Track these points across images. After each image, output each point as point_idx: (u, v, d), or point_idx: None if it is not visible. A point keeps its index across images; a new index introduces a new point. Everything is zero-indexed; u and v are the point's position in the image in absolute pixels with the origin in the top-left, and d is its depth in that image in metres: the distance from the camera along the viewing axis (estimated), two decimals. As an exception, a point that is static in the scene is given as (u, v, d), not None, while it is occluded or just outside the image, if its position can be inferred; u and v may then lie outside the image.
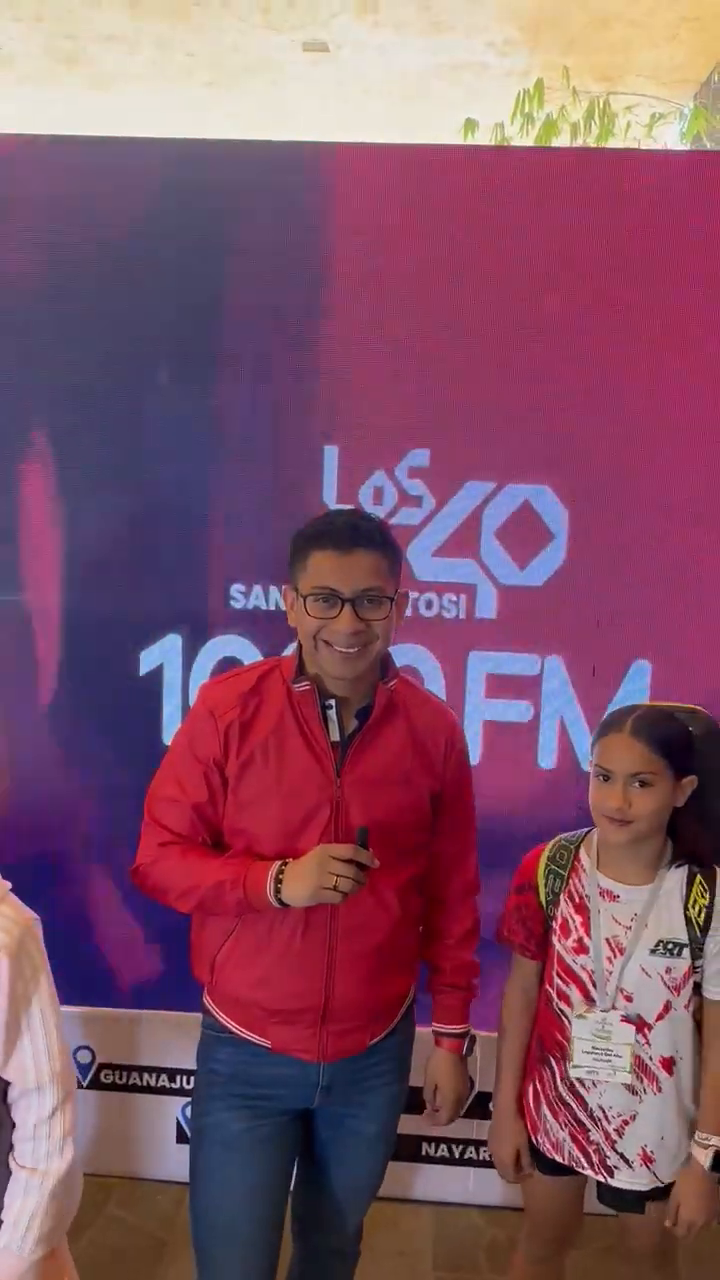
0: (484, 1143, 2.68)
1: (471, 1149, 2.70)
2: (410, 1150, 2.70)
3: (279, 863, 1.63)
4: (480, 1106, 2.69)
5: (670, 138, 6.88)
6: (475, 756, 2.42)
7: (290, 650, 1.78)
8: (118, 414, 2.49)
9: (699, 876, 1.83)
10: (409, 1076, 1.91)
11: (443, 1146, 2.71)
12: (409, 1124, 2.62)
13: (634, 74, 6.57)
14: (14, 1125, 1.56)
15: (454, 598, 2.53)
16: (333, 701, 1.70)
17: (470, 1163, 2.71)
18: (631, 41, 6.24)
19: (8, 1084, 1.55)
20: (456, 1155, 2.71)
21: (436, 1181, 2.72)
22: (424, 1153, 2.71)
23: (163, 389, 2.48)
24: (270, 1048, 1.73)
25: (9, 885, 1.58)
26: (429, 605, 2.53)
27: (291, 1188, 1.89)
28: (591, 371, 2.43)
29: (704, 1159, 1.82)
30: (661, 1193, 1.88)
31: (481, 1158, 2.70)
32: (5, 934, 1.51)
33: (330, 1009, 1.71)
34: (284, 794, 1.69)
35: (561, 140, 6.43)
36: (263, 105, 7.34)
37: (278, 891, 1.61)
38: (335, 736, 1.70)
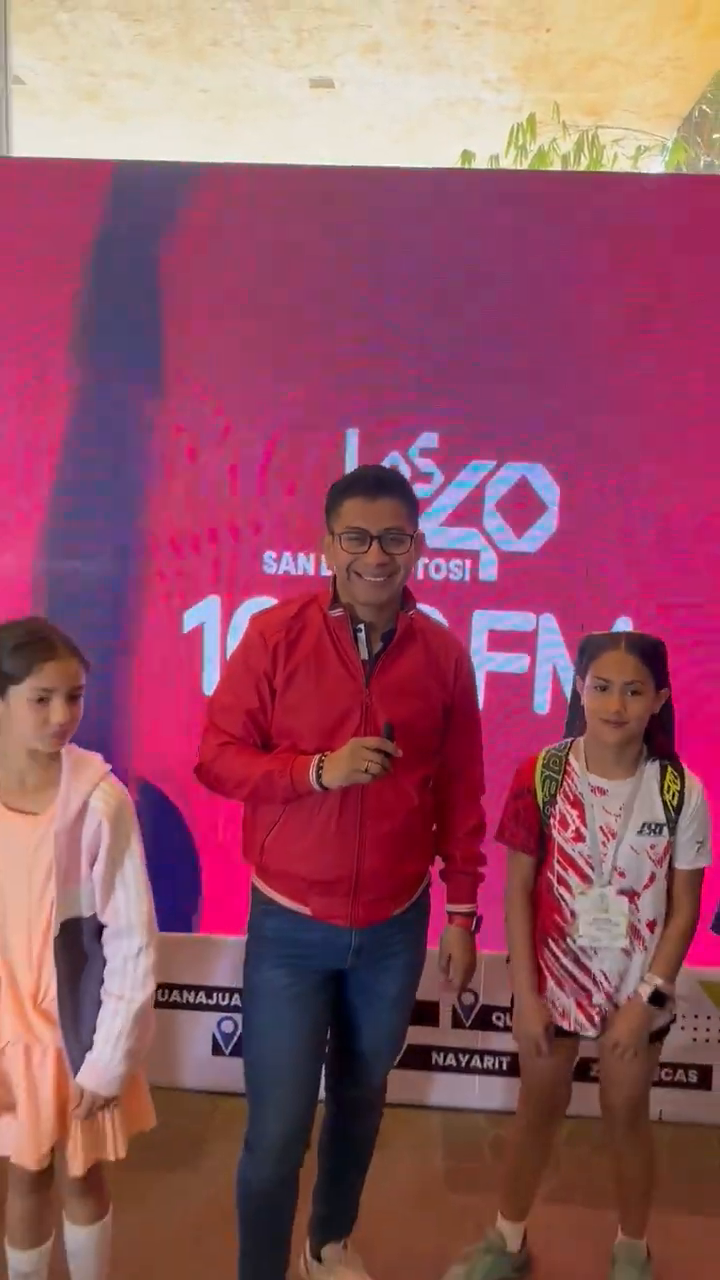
0: (488, 1053, 3.03)
1: (476, 1058, 3.02)
2: (422, 1060, 3.02)
3: (319, 755, 1.97)
4: (483, 1019, 3.03)
5: (655, 168, 7.31)
6: (480, 703, 2.76)
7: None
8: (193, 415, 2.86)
9: (669, 769, 2.19)
10: (425, 951, 2.23)
11: (451, 1056, 3.03)
12: (420, 1036, 2.99)
13: (620, 109, 7.00)
14: (105, 962, 1.89)
15: (460, 563, 2.89)
16: (362, 626, 2.04)
17: (475, 1070, 3.02)
18: (618, 79, 6.68)
19: (103, 926, 1.88)
20: (463, 1064, 3.03)
21: (445, 1088, 3.03)
22: (434, 1062, 3.03)
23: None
24: (311, 914, 2.06)
25: (109, 766, 1.92)
26: (438, 569, 2.89)
27: (327, 1050, 2.21)
28: (578, 367, 2.80)
29: (645, 993, 2.16)
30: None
31: (485, 1066, 3.02)
32: (106, 805, 1.85)
33: (360, 882, 2.04)
34: (322, 700, 2.02)
35: (554, 168, 6.87)
36: (271, 138, 7.77)
37: (319, 776, 1.95)
38: (364, 654, 2.04)
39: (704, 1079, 2.98)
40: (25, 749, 1.84)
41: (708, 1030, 2.97)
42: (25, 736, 1.83)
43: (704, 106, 6.90)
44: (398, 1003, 2.18)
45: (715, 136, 6.68)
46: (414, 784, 2.07)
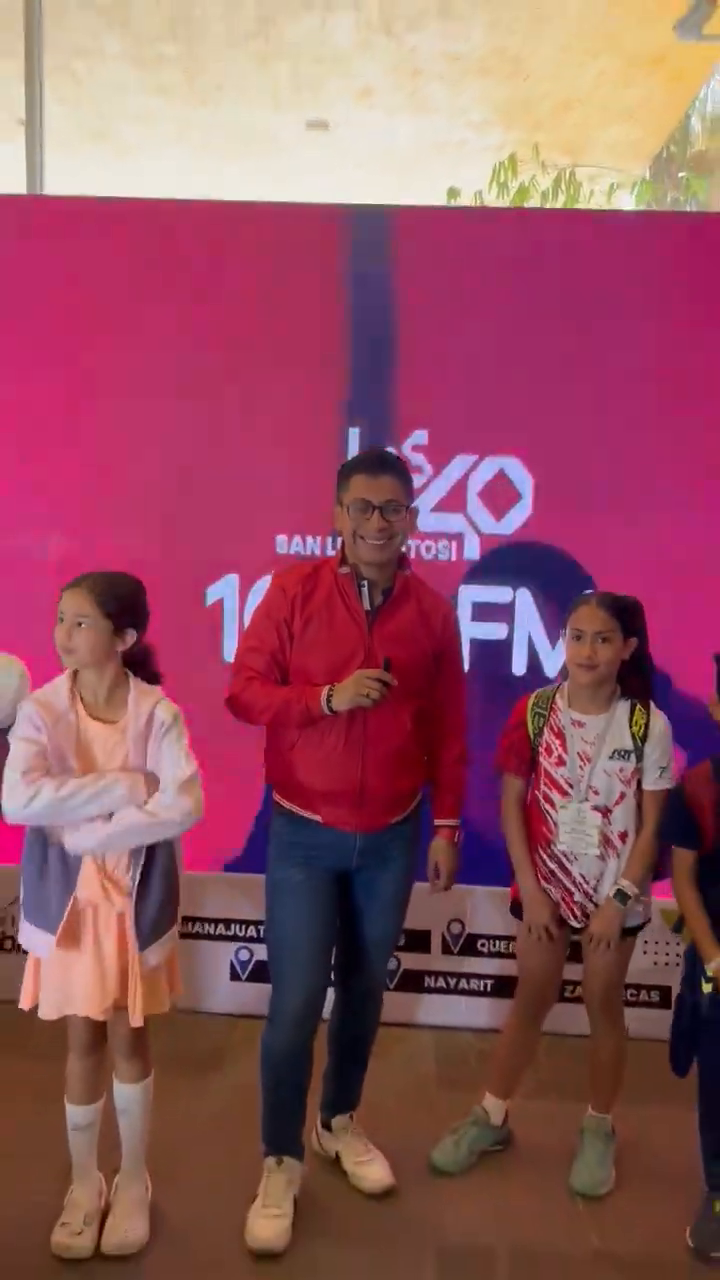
0: (474, 976, 3.42)
1: (463, 981, 3.41)
2: (415, 984, 3.41)
3: (329, 685, 2.39)
4: (469, 946, 3.43)
5: (627, 203, 7.83)
6: (466, 666, 3.18)
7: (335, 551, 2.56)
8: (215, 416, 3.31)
9: (637, 706, 2.61)
10: (418, 856, 2.63)
11: (441, 979, 3.42)
12: (413, 962, 3.38)
13: (595, 149, 7.52)
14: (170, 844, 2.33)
15: (447, 544, 3.32)
16: (365, 582, 2.47)
17: (462, 992, 3.41)
18: (591, 121, 7.20)
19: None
20: (452, 986, 3.42)
21: (436, 1008, 3.41)
22: (426, 985, 3.42)
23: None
24: (321, 821, 2.46)
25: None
26: (428, 550, 3.32)
27: (335, 948, 2.60)
28: (551, 373, 3.25)
29: (613, 893, 2.57)
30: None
31: (471, 988, 3.41)
32: (167, 713, 2.29)
33: (364, 794, 2.44)
34: (332, 642, 2.43)
35: (533, 204, 7.39)
36: (268, 175, 8.28)
37: (329, 701, 2.36)
38: (367, 606, 2.46)
39: (664, 999, 3.37)
40: (93, 673, 2.27)
41: (668, 955, 3.37)
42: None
43: (672, 146, 7.43)
44: (395, 900, 2.58)
45: (681, 175, 7.18)
46: (408, 714, 2.48)
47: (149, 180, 8.34)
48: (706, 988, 2.42)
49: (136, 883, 2.27)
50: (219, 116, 7.28)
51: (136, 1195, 2.47)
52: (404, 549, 2.53)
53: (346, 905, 2.58)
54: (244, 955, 3.43)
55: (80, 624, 2.24)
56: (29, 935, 2.32)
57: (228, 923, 3.41)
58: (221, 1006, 3.42)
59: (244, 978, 3.42)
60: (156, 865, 2.30)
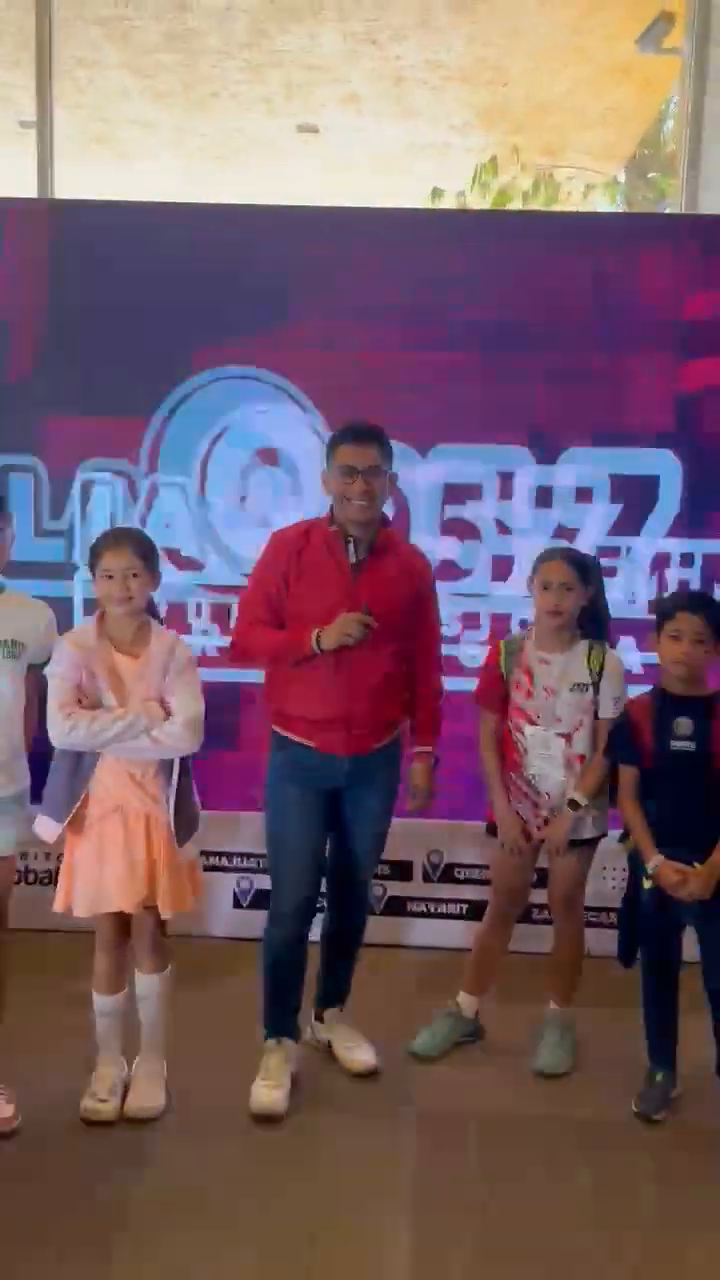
0: (451, 901, 3.80)
1: (442, 906, 3.80)
2: (399, 908, 3.79)
3: (318, 628, 2.76)
4: (446, 874, 3.81)
5: (603, 203, 8.22)
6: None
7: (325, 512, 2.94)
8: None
9: (593, 646, 2.98)
10: (398, 778, 3.00)
11: (421, 905, 3.80)
12: (396, 889, 3.77)
13: (572, 151, 7.89)
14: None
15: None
16: (351, 539, 2.84)
17: (440, 916, 3.80)
18: (568, 125, 7.57)
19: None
20: (431, 911, 3.81)
21: (417, 930, 3.80)
22: (408, 910, 3.80)
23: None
24: (315, 747, 2.83)
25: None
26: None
27: (327, 858, 2.98)
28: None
29: (569, 806, 2.95)
30: (576, 844, 2.99)
31: (448, 912, 3.80)
32: (182, 650, 2.69)
33: (350, 722, 2.81)
34: (322, 591, 2.80)
35: (515, 204, 7.76)
36: (261, 176, 8.63)
37: (318, 640, 2.74)
38: (353, 559, 2.82)
39: (622, 920, 3.76)
40: (129, 616, 2.66)
41: (623, 882, 3.74)
42: (107, 607, 2.64)
43: (644, 149, 7.81)
44: (378, 815, 2.96)
45: (651, 175, 7.56)
46: (389, 653, 2.85)
47: (146, 181, 8.71)
48: (647, 884, 2.80)
49: (172, 793, 2.65)
50: (214, 122, 7.64)
51: (154, 1070, 2.85)
52: (384, 509, 2.91)
53: (337, 820, 2.95)
54: (244, 885, 3.81)
55: (135, 575, 2.62)
56: (42, 825, 2.70)
57: (229, 855, 3.78)
58: (224, 931, 3.80)
59: (245, 905, 3.80)
60: (184, 780, 2.69)
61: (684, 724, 2.76)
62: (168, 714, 2.65)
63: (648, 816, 2.84)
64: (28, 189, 8.56)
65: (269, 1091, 2.82)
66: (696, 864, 2.75)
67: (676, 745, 2.77)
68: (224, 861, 3.79)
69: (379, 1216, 2.46)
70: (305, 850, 2.86)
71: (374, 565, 2.86)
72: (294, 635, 2.78)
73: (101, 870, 2.67)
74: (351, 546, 2.83)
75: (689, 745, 2.76)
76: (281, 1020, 2.94)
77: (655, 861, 2.77)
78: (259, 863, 3.77)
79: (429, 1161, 2.66)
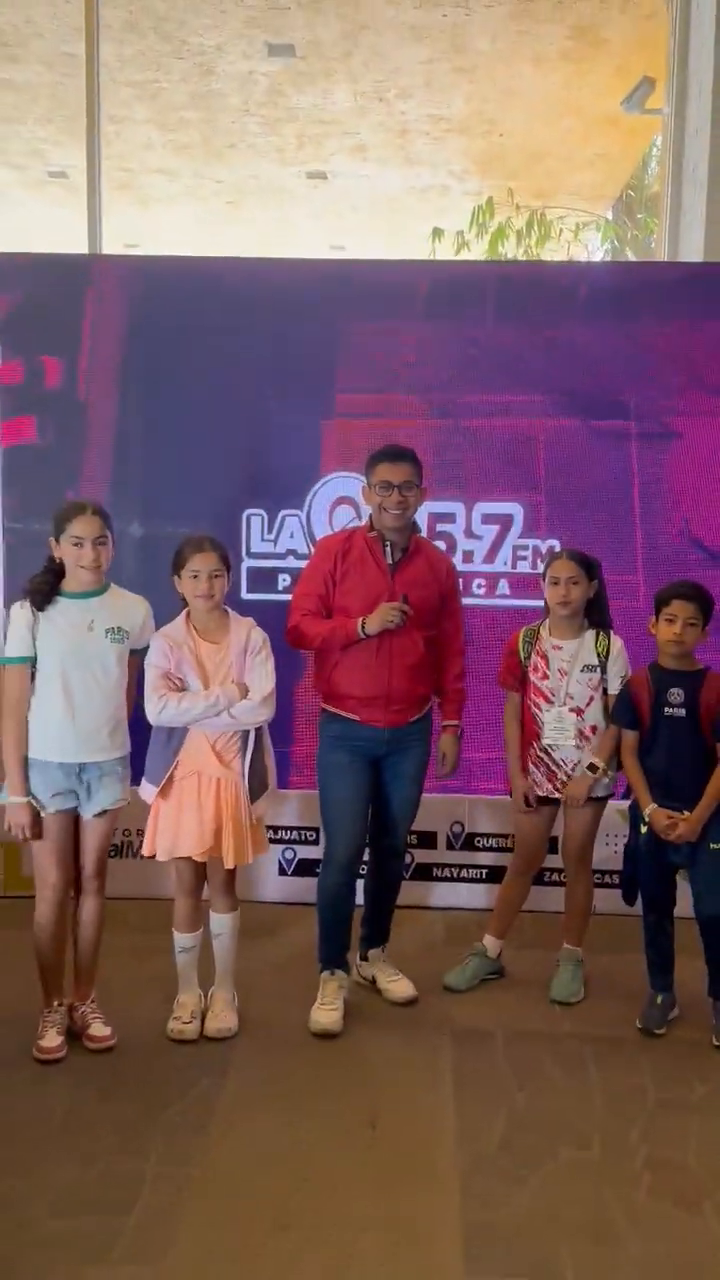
0: (472, 866, 4.29)
1: (464, 871, 4.28)
2: (426, 874, 4.27)
3: (363, 616, 3.28)
4: (469, 843, 4.30)
5: (594, 241, 8.81)
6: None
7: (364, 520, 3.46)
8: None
9: (600, 632, 3.49)
10: (429, 749, 3.49)
11: (446, 870, 4.29)
12: (423, 856, 4.25)
13: (563, 193, 8.50)
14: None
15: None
16: (389, 543, 3.35)
17: (463, 880, 4.27)
18: (559, 170, 8.18)
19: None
20: (455, 876, 4.29)
21: (442, 894, 4.28)
22: (434, 875, 4.28)
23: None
24: (359, 720, 3.33)
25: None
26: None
27: (369, 819, 3.48)
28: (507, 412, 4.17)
29: (584, 764, 3.44)
30: (590, 800, 3.47)
31: (471, 876, 4.28)
32: (259, 636, 3.17)
33: (390, 697, 3.31)
34: (364, 588, 3.30)
35: (510, 243, 8.35)
36: (273, 219, 9.23)
37: (364, 626, 3.25)
38: (389, 560, 3.34)
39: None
40: (211, 609, 3.17)
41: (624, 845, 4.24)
42: (192, 602, 3.15)
43: (630, 191, 8.41)
44: (413, 779, 3.46)
45: (639, 216, 8.15)
46: (421, 639, 3.36)
47: (166, 223, 9.30)
48: (644, 829, 3.30)
49: (248, 761, 3.16)
50: (229, 170, 8.23)
51: (227, 998, 3.33)
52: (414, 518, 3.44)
53: (379, 785, 3.45)
54: (289, 855, 4.30)
55: (218, 576, 3.12)
56: (144, 789, 3.20)
57: (275, 829, 4.26)
58: (272, 896, 4.28)
59: (289, 873, 4.29)
60: (257, 749, 3.19)
61: (676, 694, 3.27)
62: (244, 693, 3.15)
63: (645, 773, 3.34)
64: (56, 234, 9.18)
65: (327, 1013, 3.31)
66: (686, 812, 3.25)
67: (670, 712, 3.28)
68: (271, 834, 4.26)
69: (426, 1104, 2.94)
70: (352, 809, 3.37)
71: (407, 565, 3.37)
72: (342, 624, 3.29)
73: (177, 822, 3.16)
74: (388, 549, 3.35)
75: (680, 712, 3.27)
76: (334, 954, 3.43)
77: (650, 809, 3.27)
78: (301, 835, 4.28)
79: (464, 1066, 3.14)
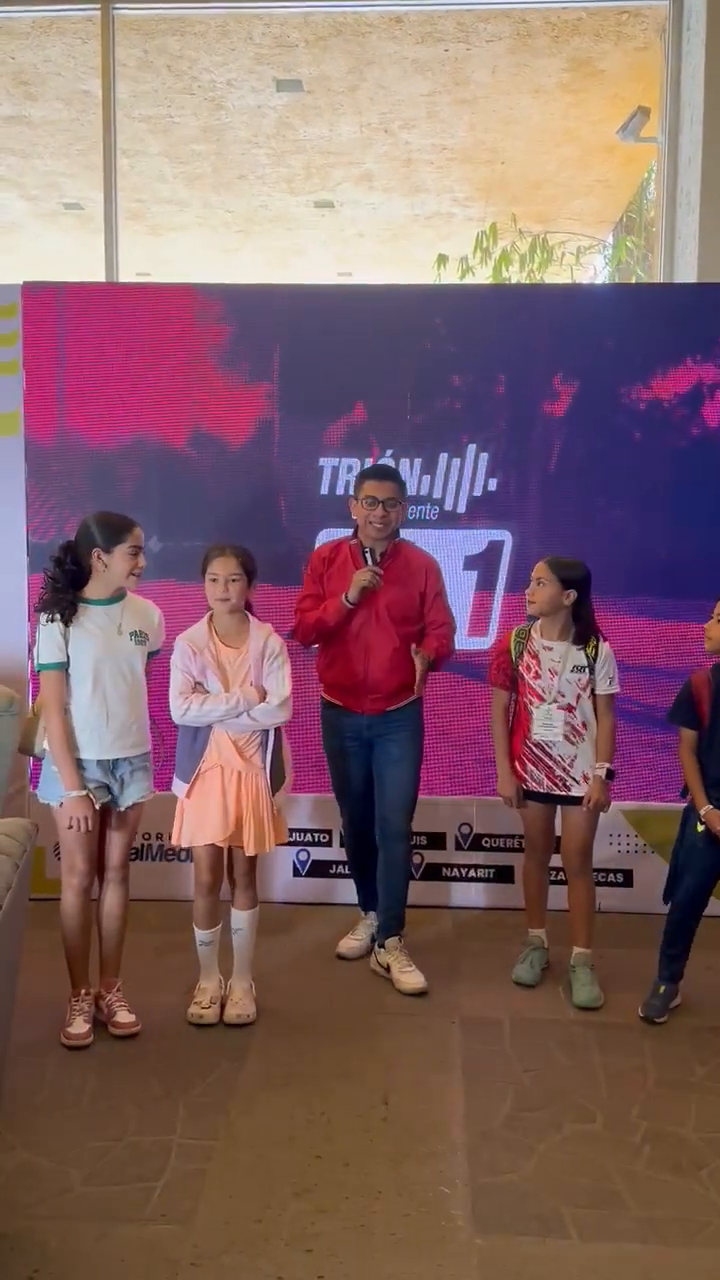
0: (479, 866, 4.44)
1: (472, 870, 4.43)
2: (436, 874, 4.42)
3: (345, 594, 3.52)
4: (475, 843, 4.45)
5: (595, 264, 9.02)
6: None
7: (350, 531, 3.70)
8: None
9: (589, 637, 3.64)
10: (420, 739, 3.70)
11: (455, 870, 4.43)
12: (433, 857, 4.40)
13: (564, 218, 8.71)
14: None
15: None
16: (368, 550, 3.60)
17: (472, 879, 4.42)
18: (559, 196, 8.39)
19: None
20: (464, 875, 4.44)
21: (452, 893, 4.43)
22: (444, 875, 4.43)
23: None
24: (342, 706, 3.65)
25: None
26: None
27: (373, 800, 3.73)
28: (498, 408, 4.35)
29: (601, 773, 3.59)
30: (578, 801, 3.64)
31: (478, 875, 4.42)
32: (276, 642, 3.34)
33: (367, 686, 3.59)
34: (346, 586, 3.55)
35: (514, 267, 8.57)
36: (281, 246, 9.46)
37: (346, 598, 3.49)
38: (369, 562, 3.57)
39: (627, 879, 4.40)
40: (231, 614, 3.35)
41: (628, 846, 4.39)
42: (212, 604, 3.33)
43: (630, 214, 8.62)
44: (400, 760, 3.68)
45: (626, 240, 8.36)
46: (397, 634, 3.60)
47: (178, 252, 9.55)
48: (699, 828, 3.41)
49: (269, 757, 3.34)
50: (239, 200, 8.47)
51: (246, 987, 3.49)
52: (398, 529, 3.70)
53: (374, 768, 3.73)
54: (303, 856, 4.45)
55: (235, 580, 3.30)
56: (176, 785, 3.38)
57: (290, 830, 4.42)
58: (286, 897, 4.43)
59: (304, 874, 4.44)
60: (274, 745, 3.37)
61: None
62: (263, 696, 3.32)
63: (703, 771, 3.43)
64: (69, 263, 9.46)
65: (350, 941, 3.95)
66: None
67: None
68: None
69: (437, 1084, 3.09)
70: (350, 785, 3.76)
71: (386, 567, 3.62)
72: (329, 603, 3.59)
73: (201, 812, 3.33)
74: (368, 554, 3.61)
75: None
76: (362, 899, 3.94)
77: (707, 808, 3.38)
78: (315, 837, 4.44)
79: (473, 1050, 3.29)
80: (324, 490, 4.37)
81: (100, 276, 6.34)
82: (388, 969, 3.72)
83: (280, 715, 3.34)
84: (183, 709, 3.29)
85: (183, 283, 4.47)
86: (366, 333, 4.33)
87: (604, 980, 3.68)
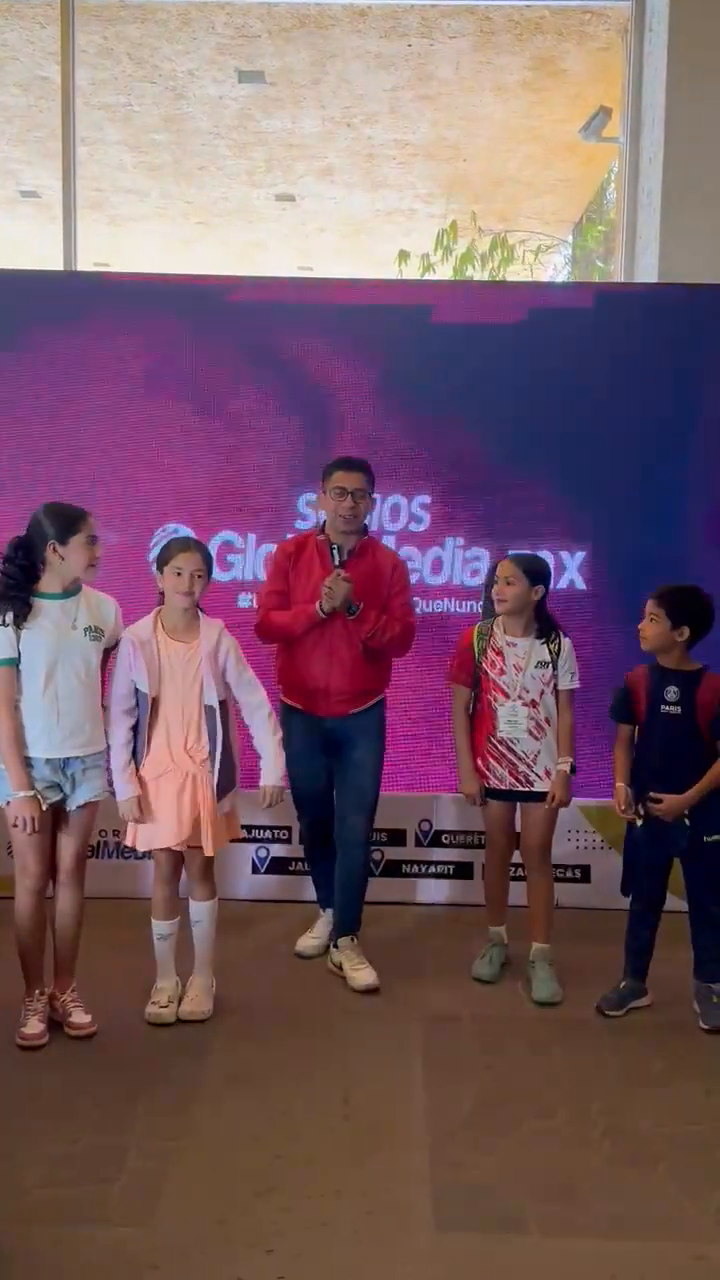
0: (439, 863, 4.44)
1: (432, 866, 4.43)
2: (395, 870, 4.41)
3: (317, 602, 3.46)
4: (435, 840, 4.44)
5: (555, 261, 9.06)
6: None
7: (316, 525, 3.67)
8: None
9: (551, 632, 3.65)
10: (381, 742, 3.70)
11: (415, 866, 4.43)
12: (393, 854, 4.39)
13: (524, 217, 8.72)
14: (225, 732, 3.31)
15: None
16: (335, 546, 3.56)
17: (431, 875, 4.42)
18: (520, 194, 8.40)
19: (221, 711, 3.29)
20: (423, 871, 4.43)
21: (412, 889, 4.42)
22: (404, 871, 4.42)
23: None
24: (304, 709, 3.61)
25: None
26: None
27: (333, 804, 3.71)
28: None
29: (565, 768, 3.59)
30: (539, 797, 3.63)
31: (438, 872, 4.42)
32: (228, 640, 3.31)
33: (329, 689, 3.55)
34: (310, 588, 3.53)
35: (475, 264, 8.58)
36: (241, 240, 9.40)
37: (320, 608, 3.44)
38: (336, 561, 3.54)
39: (585, 875, 4.42)
40: (185, 610, 3.29)
41: (586, 842, 4.41)
42: (171, 598, 3.28)
43: (590, 214, 8.67)
44: (360, 764, 3.67)
45: (576, 240, 8.41)
46: (359, 638, 3.55)
47: (138, 243, 9.45)
48: (639, 823, 3.44)
49: (218, 760, 3.30)
50: (200, 191, 8.39)
51: (204, 984, 3.45)
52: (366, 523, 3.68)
53: (336, 772, 3.70)
54: (262, 854, 4.42)
55: (199, 576, 3.26)
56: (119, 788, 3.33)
57: (249, 828, 4.38)
58: (246, 894, 4.40)
59: (263, 871, 4.41)
60: (221, 747, 3.32)
61: (673, 691, 3.41)
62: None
63: (640, 767, 3.47)
64: (25, 253, 9.32)
65: (309, 939, 3.93)
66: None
67: (666, 709, 3.41)
68: (245, 833, 4.38)
69: (397, 1081, 3.08)
70: (308, 784, 3.74)
71: (353, 566, 3.58)
72: (303, 609, 3.53)
73: (155, 816, 3.29)
74: (335, 551, 3.56)
75: (676, 710, 3.40)
76: (322, 895, 3.96)
77: (619, 785, 3.45)
78: (274, 834, 4.41)
79: (433, 1046, 3.28)
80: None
81: (59, 265, 6.25)
82: (340, 968, 3.70)
83: (269, 724, 3.43)
84: (109, 728, 3.30)
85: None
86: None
87: (563, 976, 3.68)
